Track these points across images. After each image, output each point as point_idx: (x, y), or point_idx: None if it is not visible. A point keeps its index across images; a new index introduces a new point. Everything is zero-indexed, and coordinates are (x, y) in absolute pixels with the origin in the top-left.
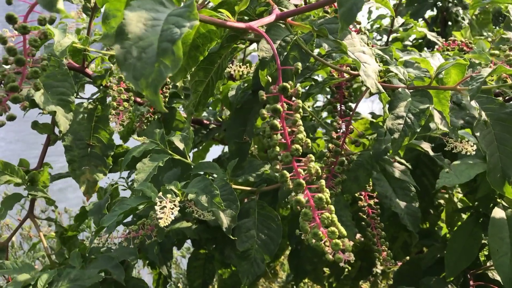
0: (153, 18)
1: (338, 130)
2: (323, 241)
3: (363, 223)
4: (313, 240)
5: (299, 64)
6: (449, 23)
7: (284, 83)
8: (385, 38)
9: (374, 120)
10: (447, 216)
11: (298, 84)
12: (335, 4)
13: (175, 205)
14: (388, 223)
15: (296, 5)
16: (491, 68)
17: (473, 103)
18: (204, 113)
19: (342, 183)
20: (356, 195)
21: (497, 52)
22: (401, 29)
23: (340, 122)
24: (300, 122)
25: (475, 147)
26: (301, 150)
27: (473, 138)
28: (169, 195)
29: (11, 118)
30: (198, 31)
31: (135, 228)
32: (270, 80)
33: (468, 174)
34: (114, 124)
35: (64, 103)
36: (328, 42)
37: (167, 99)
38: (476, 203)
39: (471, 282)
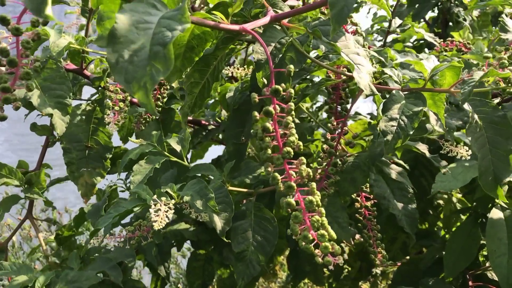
0: (145, 21)
1: (333, 131)
2: (312, 244)
3: (360, 224)
4: (303, 243)
5: (292, 66)
6: (450, 24)
7: (276, 86)
8: (384, 40)
9: (372, 121)
10: (445, 218)
11: (291, 88)
12: None
13: (169, 208)
14: (387, 224)
15: (291, 7)
16: (484, 71)
17: (466, 106)
18: (203, 114)
19: (337, 184)
20: (353, 196)
21: (490, 55)
22: (398, 30)
23: (335, 123)
24: (292, 124)
25: (470, 152)
26: (292, 153)
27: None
28: (163, 198)
29: (2, 118)
30: (193, 33)
31: (131, 229)
32: (266, 82)
33: (464, 178)
34: (110, 124)
35: (61, 106)
36: (324, 43)
37: (165, 100)
38: (475, 203)
39: (470, 283)
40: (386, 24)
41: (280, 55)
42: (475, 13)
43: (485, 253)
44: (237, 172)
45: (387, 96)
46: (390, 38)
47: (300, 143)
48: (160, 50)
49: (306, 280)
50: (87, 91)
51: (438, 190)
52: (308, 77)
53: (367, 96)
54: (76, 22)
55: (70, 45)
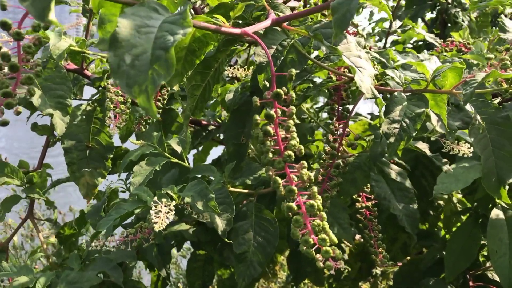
0: (147, 25)
1: (335, 133)
2: (314, 248)
3: (361, 225)
4: (304, 247)
5: (293, 70)
6: (449, 24)
7: (278, 90)
8: (384, 41)
9: (372, 122)
10: (445, 219)
11: (292, 92)
12: None
13: (170, 209)
14: (388, 225)
15: (292, 8)
16: (486, 72)
17: (469, 107)
18: (204, 114)
19: (339, 185)
20: (354, 196)
21: (492, 56)
22: (399, 30)
23: (337, 124)
24: (294, 128)
25: (472, 149)
26: (293, 157)
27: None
28: (164, 199)
29: (4, 123)
30: (194, 36)
31: (132, 231)
32: (268, 85)
33: (466, 179)
34: (112, 126)
35: (61, 106)
36: (326, 47)
37: (165, 101)
38: (475, 204)
39: (471, 283)
40: (386, 26)
41: (282, 58)
42: (474, 13)
43: (485, 253)
44: (237, 173)
45: (389, 97)
46: (390, 40)
47: (302, 147)
48: (162, 55)
49: (306, 280)
50: (89, 92)
51: (440, 192)
52: (309, 78)
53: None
54: (77, 23)
55: (70, 48)
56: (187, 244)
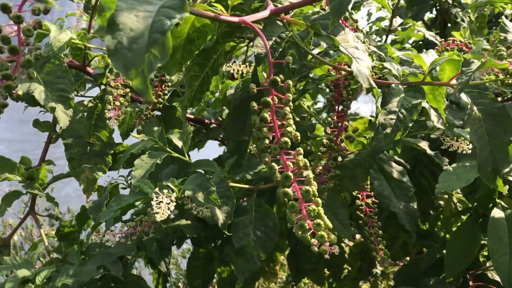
0: (145, 9)
1: (334, 126)
2: (309, 233)
3: (361, 221)
4: (300, 232)
5: (290, 58)
6: (449, 24)
7: (274, 77)
8: (384, 39)
9: (373, 119)
10: (443, 220)
11: (289, 80)
12: None
13: (171, 200)
14: (388, 223)
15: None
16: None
17: (465, 97)
18: (205, 112)
19: (338, 181)
20: (354, 193)
21: (488, 47)
22: (399, 28)
23: (335, 118)
24: (290, 115)
25: (471, 146)
26: (290, 143)
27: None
28: (165, 190)
29: (3, 105)
30: (193, 25)
31: (132, 224)
32: (266, 76)
33: (467, 178)
34: (112, 116)
35: (63, 99)
36: (324, 40)
37: (166, 97)
38: (475, 203)
39: (471, 283)
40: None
41: (280, 49)
42: (474, 14)
43: (485, 253)
44: (238, 169)
45: (387, 90)
46: (388, 40)
47: (298, 133)
48: (159, 38)
49: (306, 280)
50: (90, 93)
51: (441, 191)
52: (308, 74)
53: (367, 92)
54: (77, 25)
55: (71, 41)
56: (187, 245)
